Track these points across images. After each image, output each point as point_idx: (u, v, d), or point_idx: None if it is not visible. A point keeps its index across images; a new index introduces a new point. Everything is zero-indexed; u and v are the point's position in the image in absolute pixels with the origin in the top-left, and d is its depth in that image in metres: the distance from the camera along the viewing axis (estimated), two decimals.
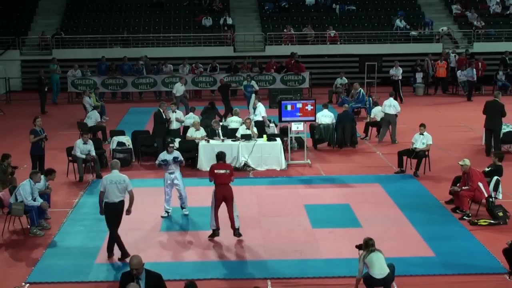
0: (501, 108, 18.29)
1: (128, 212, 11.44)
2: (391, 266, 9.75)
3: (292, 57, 30.10)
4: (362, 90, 24.02)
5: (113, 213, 11.28)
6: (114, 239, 11.31)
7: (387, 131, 20.19)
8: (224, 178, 12.27)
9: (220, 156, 12.69)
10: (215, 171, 12.32)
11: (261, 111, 19.55)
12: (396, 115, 20.01)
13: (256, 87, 26.13)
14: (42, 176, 13.42)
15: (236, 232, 12.34)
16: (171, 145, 13.85)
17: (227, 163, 12.98)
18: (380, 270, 9.51)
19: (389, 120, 20.02)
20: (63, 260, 11.46)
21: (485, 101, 18.97)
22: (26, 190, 12.56)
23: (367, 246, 9.63)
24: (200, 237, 12.51)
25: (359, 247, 9.89)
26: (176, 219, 13.54)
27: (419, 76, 30.41)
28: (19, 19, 34.25)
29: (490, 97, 19.88)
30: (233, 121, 19.31)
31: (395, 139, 19.87)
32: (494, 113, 18.26)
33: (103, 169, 16.98)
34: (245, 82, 26.48)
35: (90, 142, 16.54)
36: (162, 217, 13.55)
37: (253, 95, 22.53)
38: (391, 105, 20.05)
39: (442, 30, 33.43)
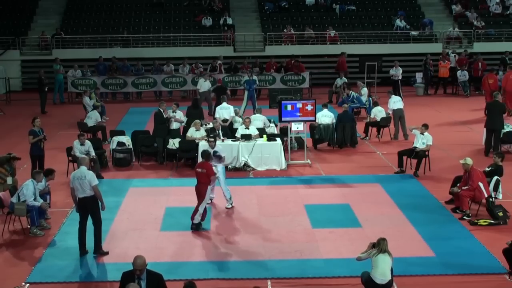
0: (502, 107, 18.36)
1: (102, 207, 11.64)
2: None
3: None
4: (354, 93, 23.96)
5: (81, 208, 11.56)
6: (79, 231, 11.60)
7: (399, 128, 20.51)
8: (199, 176, 12.98)
9: (202, 154, 13.44)
10: (196, 169, 13.20)
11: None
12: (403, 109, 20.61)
13: (257, 82, 26.30)
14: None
15: (192, 226, 12.82)
16: (211, 139, 14.52)
17: (209, 163, 13.30)
18: (382, 275, 9.42)
19: (400, 116, 20.43)
20: (63, 260, 11.46)
21: (485, 101, 19.00)
22: (30, 189, 12.57)
23: (379, 245, 9.54)
24: (200, 237, 12.52)
25: (374, 245, 9.75)
26: (176, 219, 13.53)
27: (419, 76, 30.42)
28: (19, 19, 34.23)
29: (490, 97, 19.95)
30: (255, 120, 18.97)
31: (406, 134, 20.15)
32: (495, 113, 18.30)
33: (103, 169, 17.01)
34: (246, 78, 26.12)
35: (88, 142, 16.47)
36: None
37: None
38: (396, 101, 20.59)
39: (450, 31, 33.44)
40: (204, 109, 21.55)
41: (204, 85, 25.06)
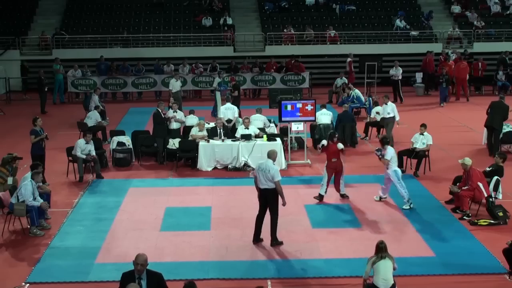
0: (506, 109, 18.34)
1: (283, 203, 11.94)
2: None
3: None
4: (354, 93, 23.93)
5: (261, 198, 12.07)
6: (257, 219, 12.12)
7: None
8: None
9: (329, 135, 15.02)
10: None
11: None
12: None
13: (228, 85, 26.24)
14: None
15: (341, 195, 14.71)
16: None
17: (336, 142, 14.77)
18: (384, 280, 9.36)
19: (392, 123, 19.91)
20: (63, 260, 11.46)
21: (485, 101, 18.95)
22: (28, 190, 12.57)
23: (378, 250, 9.49)
24: (200, 237, 12.51)
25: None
26: (176, 219, 13.53)
27: (419, 76, 30.41)
28: (19, 19, 34.21)
29: (490, 97, 19.94)
30: (255, 120, 19.08)
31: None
32: (497, 113, 18.29)
33: (103, 169, 17.01)
34: (219, 80, 25.92)
35: (91, 142, 16.56)
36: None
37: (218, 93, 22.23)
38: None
39: (450, 32, 33.43)
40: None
41: (176, 85, 24.99)
